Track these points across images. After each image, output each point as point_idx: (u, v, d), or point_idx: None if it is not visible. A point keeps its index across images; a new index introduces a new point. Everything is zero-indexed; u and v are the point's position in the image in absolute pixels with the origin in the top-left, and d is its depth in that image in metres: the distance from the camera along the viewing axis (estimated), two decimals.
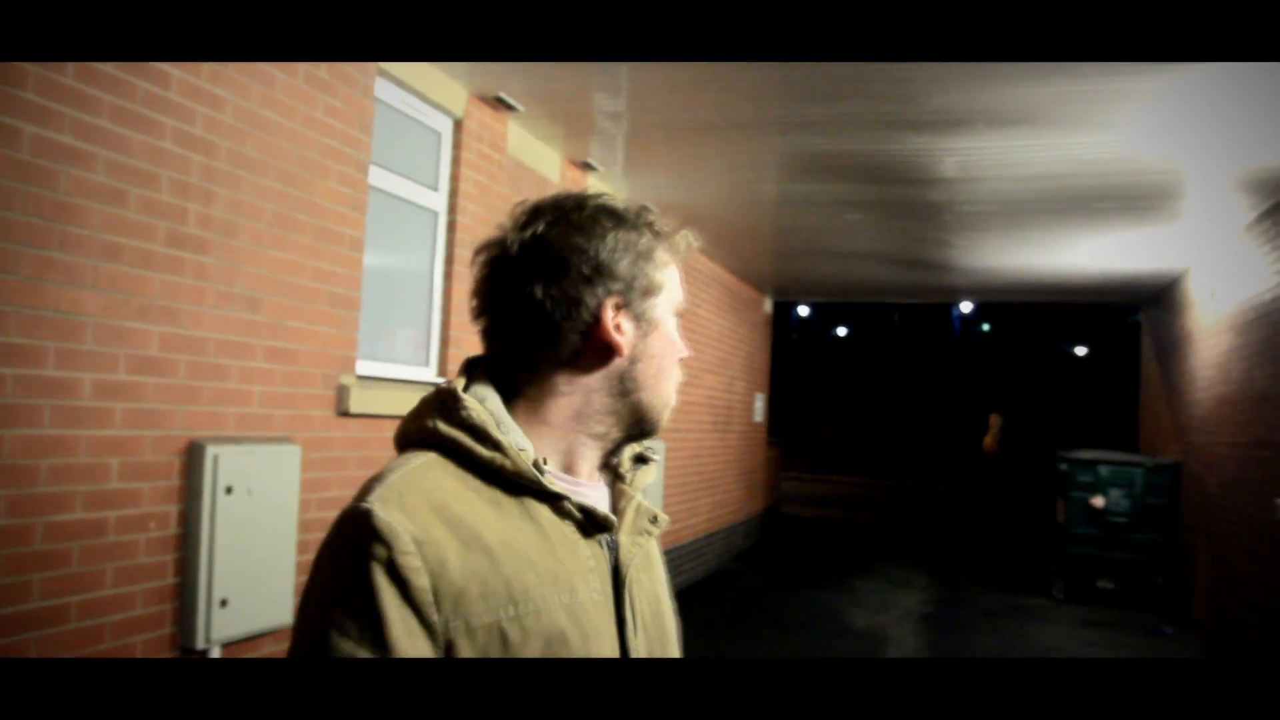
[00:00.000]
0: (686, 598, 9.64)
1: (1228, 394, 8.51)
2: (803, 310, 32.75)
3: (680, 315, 1.40)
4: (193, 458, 3.70)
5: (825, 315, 35.82)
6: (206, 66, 3.72)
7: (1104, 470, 10.46)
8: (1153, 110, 5.28)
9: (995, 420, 16.60)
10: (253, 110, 3.97)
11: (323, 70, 4.36)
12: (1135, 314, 13.83)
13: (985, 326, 35.98)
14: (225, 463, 3.74)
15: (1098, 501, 10.37)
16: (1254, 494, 7.49)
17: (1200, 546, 9.30)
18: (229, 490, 3.76)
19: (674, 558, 9.75)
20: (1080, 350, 32.47)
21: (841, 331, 36.56)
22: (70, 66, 3.17)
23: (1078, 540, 10.47)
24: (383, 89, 4.93)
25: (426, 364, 5.45)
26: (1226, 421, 8.52)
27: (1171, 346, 11.18)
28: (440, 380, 5.39)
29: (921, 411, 33.54)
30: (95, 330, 3.31)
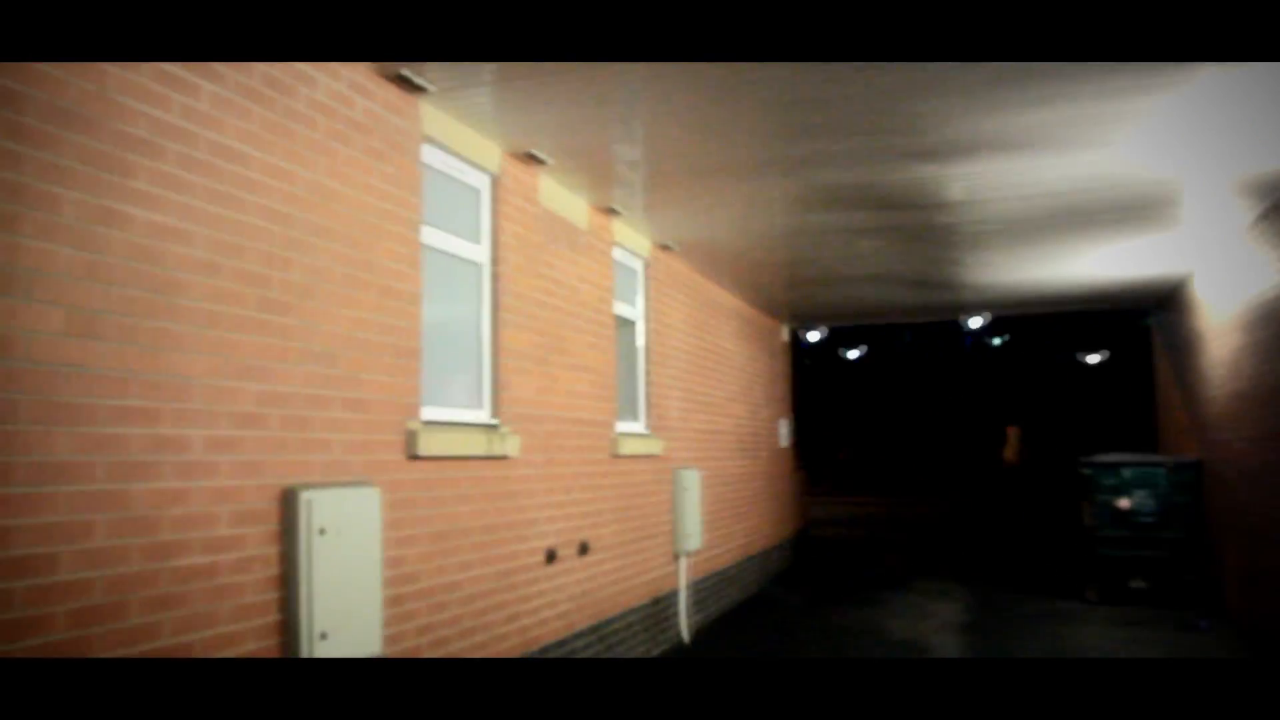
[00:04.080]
0: (730, 620, 9.89)
1: (1241, 390, 8.78)
2: (813, 335, 33.09)
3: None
4: (288, 503, 4.02)
5: (837, 339, 36.08)
6: (282, 145, 4.09)
7: (1127, 472, 10.71)
8: (1149, 128, 5.61)
9: (1013, 432, 16.86)
10: (321, 181, 4.34)
11: (377, 140, 4.74)
12: (1146, 318, 14.10)
13: (997, 340, 36.19)
14: (318, 506, 4.07)
15: (1123, 503, 10.61)
16: (1274, 485, 7.74)
17: (1228, 540, 9.53)
18: (322, 532, 4.08)
19: (713, 584, 10.01)
20: (1093, 358, 32.66)
21: (853, 354, 36.81)
22: (172, 156, 3.54)
23: (1107, 542, 10.70)
24: (428, 154, 5.30)
25: (481, 406, 5.78)
26: (1243, 417, 8.78)
27: (1183, 348, 11.46)
28: (494, 421, 5.73)
29: (941, 428, 33.71)
30: (202, 391, 3.66)
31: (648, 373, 8.54)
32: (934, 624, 9.68)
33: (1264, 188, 7.00)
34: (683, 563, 8.85)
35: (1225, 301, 9.21)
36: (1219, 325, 9.52)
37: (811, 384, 33.09)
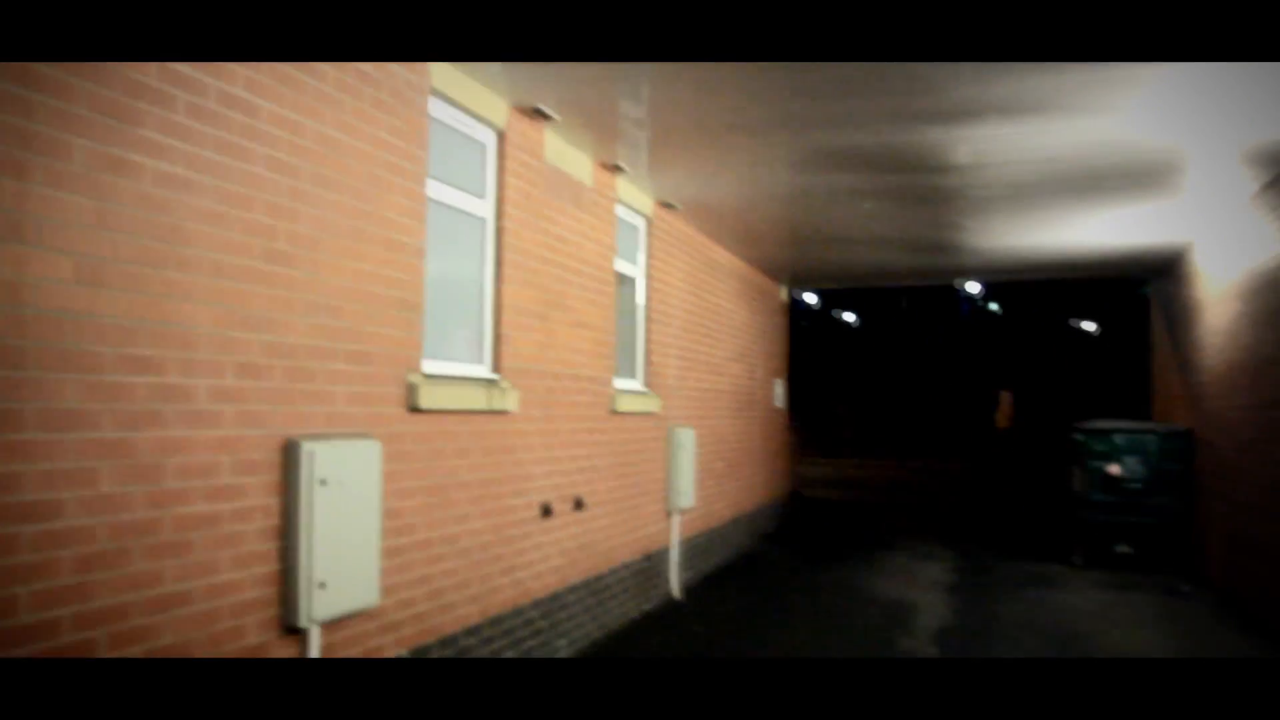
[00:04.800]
0: (720, 577, 10.00)
1: (1238, 360, 8.83)
2: (810, 298, 32.99)
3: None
4: (290, 454, 4.05)
5: (834, 301, 36.06)
6: (290, 96, 4.07)
7: (1119, 439, 10.80)
8: (1156, 94, 5.60)
9: (1006, 397, 16.93)
10: (328, 133, 4.32)
11: (385, 93, 4.71)
12: (1144, 287, 14.12)
13: (994, 306, 36.18)
14: (319, 458, 4.10)
15: (1114, 469, 10.70)
16: (1267, 454, 7.81)
17: (1215, 508, 9.63)
18: (323, 483, 4.11)
19: (705, 541, 10.11)
20: (1090, 325, 32.70)
21: (850, 317, 36.80)
22: (181, 105, 3.52)
23: (1095, 508, 10.81)
24: (435, 107, 5.27)
25: (481, 361, 5.80)
26: (1238, 387, 8.83)
27: (1180, 317, 11.49)
28: (495, 376, 5.75)
29: (934, 392, 33.83)
30: (207, 340, 3.67)
31: (647, 331, 8.56)
32: (921, 585, 9.80)
33: (1271, 157, 6.98)
34: (676, 520, 8.93)
35: (1225, 271, 9.23)
36: (1217, 295, 9.55)
37: (808, 346, 33.15)
